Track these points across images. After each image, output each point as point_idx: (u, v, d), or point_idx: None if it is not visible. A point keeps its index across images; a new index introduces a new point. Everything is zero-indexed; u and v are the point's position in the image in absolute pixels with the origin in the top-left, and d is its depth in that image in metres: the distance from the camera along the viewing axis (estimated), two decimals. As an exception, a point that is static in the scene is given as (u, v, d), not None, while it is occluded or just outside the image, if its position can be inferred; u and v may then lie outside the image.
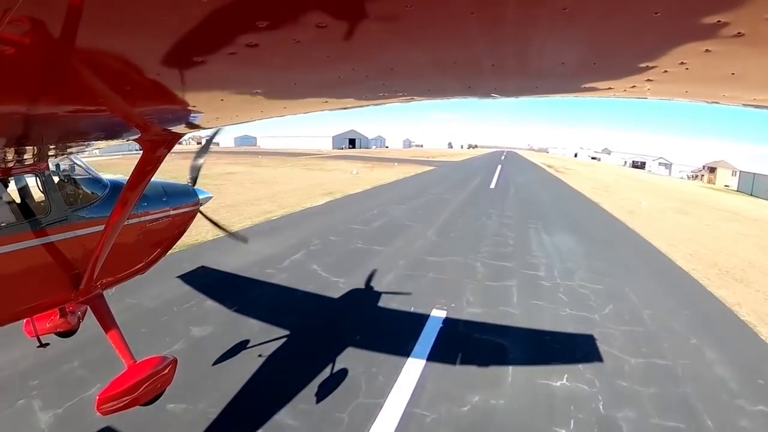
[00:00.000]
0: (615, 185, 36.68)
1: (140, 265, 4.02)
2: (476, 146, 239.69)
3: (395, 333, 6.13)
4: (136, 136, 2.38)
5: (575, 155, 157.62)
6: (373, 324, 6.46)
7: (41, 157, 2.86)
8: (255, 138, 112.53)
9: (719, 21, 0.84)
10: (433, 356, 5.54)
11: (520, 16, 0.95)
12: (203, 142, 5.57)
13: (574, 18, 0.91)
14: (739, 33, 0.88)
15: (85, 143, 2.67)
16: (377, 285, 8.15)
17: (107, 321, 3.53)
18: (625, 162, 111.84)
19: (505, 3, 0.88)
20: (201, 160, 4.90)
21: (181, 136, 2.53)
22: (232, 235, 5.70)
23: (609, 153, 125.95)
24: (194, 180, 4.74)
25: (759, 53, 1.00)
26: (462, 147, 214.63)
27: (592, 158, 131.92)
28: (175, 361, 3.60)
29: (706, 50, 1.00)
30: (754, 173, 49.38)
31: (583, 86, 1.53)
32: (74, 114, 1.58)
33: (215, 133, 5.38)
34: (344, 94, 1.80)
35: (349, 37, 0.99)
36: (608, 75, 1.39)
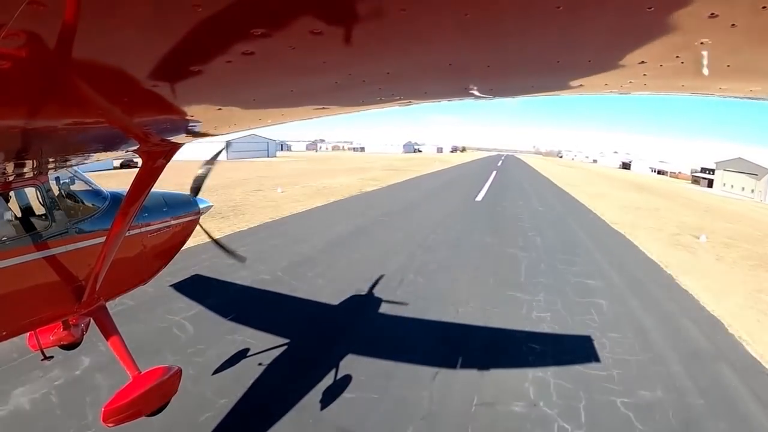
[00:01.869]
0: None
1: (142, 275, 4.01)
2: (464, 149, 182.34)
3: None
4: (135, 147, 2.38)
5: (624, 166, 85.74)
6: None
7: (41, 170, 2.87)
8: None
9: (712, 13, 0.84)
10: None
11: (514, 17, 0.95)
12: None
13: (569, 16, 0.91)
14: (732, 25, 0.88)
15: (85, 155, 2.68)
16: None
17: (111, 332, 3.52)
18: None
19: (499, 4, 0.89)
20: (205, 171, 4.92)
21: (180, 146, 2.53)
22: (230, 253, 5.51)
23: (758, 177, 46.86)
24: (196, 190, 4.75)
25: (753, 45, 1.00)
26: (439, 151, 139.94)
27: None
28: (179, 371, 3.59)
29: (701, 43, 1.00)
30: None
31: (579, 83, 1.53)
32: (73, 126, 1.58)
33: (222, 149, 5.46)
34: (342, 99, 1.80)
35: (344, 43, 0.99)
36: (604, 71, 1.39)
